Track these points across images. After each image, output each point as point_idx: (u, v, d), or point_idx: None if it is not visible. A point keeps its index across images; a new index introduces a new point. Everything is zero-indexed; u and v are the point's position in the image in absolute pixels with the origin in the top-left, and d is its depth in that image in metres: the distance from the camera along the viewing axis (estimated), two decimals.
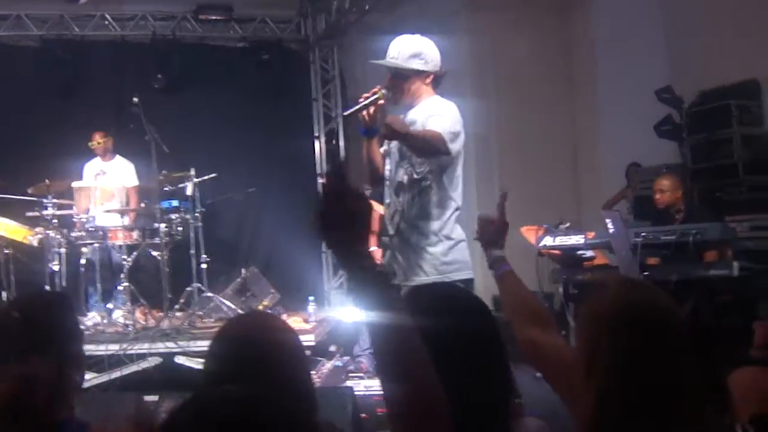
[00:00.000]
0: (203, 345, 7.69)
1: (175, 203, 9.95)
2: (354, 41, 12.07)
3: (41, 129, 11.33)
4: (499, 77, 10.63)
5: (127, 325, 9.28)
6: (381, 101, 4.89)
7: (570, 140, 10.97)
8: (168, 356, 8.50)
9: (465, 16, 10.76)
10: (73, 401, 2.77)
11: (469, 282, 5.08)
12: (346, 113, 5.17)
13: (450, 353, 2.19)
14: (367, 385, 7.87)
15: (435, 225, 5.06)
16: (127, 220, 9.86)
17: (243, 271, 10.51)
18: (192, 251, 9.84)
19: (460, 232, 5.14)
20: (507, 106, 10.62)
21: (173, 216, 9.81)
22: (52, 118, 11.60)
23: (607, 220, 7.18)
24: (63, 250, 9.66)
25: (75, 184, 10.03)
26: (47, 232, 9.64)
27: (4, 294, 9.49)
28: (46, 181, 9.70)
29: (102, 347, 8.46)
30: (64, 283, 9.63)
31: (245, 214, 12.07)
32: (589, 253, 7.93)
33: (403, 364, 1.97)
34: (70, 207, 9.96)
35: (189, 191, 9.79)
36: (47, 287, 9.51)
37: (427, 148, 4.92)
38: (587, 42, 10.58)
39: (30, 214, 9.86)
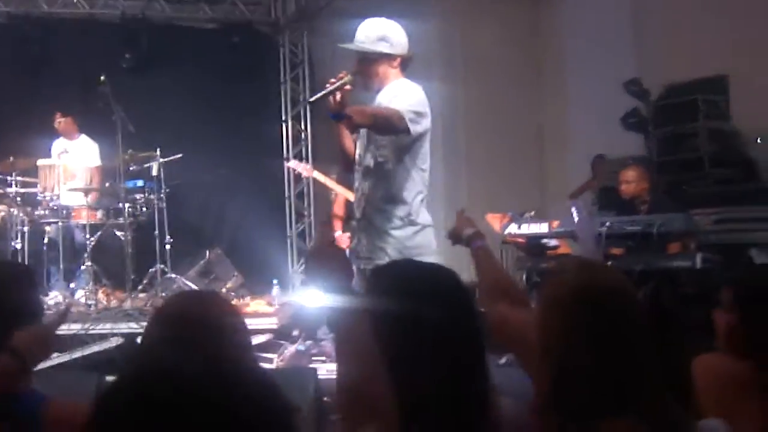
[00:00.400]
0: None
1: (140, 183, 9.89)
2: (324, 25, 12.01)
3: (7, 106, 11.21)
4: (467, 63, 10.64)
5: (89, 305, 9.24)
6: (348, 86, 4.77)
7: (537, 129, 11.02)
8: (130, 337, 8.45)
9: (433, 6, 10.75)
10: (31, 376, 2.74)
11: None
12: (311, 99, 5.21)
13: (424, 339, 2.20)
14: (330, 369, 7.86)
15: (399, 209, 5.05)
16: (90, 199, 9.77)
17: (207, 253, 10.49)
18: (156, 232, 9.78)
19: (426, 216, 5.16)
20: (474, 92, 10.63)
21: (138, 196, 9.77)
22: (19, 96, 11.48)
23: (573, 209, 7.21)
24: (26, 228, 9.60)
25: (39, 162, 9.94)
26: (10, 209, 9.58)
27: None
28: (11, 158, 9.60)
29: (64, 326, 8.35)
30: (26, 262, 9.55)
31: (211, 195, 11.99)
32: (553, 242, 7.96)
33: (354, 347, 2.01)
34: (34, 185, 9.89)
35: (154, 171, 9.73)
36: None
37: (386, 124, 4.94)
38: (556, 31, 10.63)
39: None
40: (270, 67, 12.70)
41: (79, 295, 9.55)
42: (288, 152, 12.46)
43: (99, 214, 9.75)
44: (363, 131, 5.20)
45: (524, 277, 8.12)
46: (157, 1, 12.19)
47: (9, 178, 9.59)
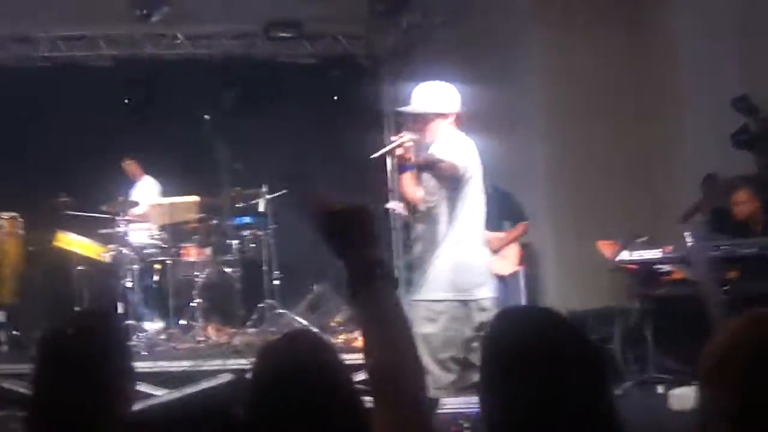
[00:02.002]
0: None
1: (247, 220, 9.98)
2: (424, 56, 11.97)
3: (113, 147, 11.44)
4: (570, 88, 10.45)
5: (199, 342, 9.31)
6: (408, 144, 5.70)
7: (645, 151, 10.75)
8: (240, 373, 8.47)
9: (533, 29, 10.61)
10: (125, 416, 2.73)
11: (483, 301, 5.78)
12: (373, 156, 5.85)
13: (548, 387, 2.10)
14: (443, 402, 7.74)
15: (446, 248, 5.80)
16: (199, 238, 9.90)
17: (314, 287, 10.49)
18: (264, 268, 9.82)
19: (473, 254, 5.87)
20: (579, 117, 10.44)
21: (245, 233, 9.85)
22: (124, 137, 11.72)
23: (686, 234, 7.00)
24: (136, 267, 9.75)
25: (149, 202, 10.13)
26: (120, 248, 9.74)
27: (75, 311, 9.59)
28: (120, 198, 9.80)
29: (174, 363, 8.49)
30: (136, 300, 9.71)
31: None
32: (665, 268, 7.75)
33: (394, 365, 1.99)
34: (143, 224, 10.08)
35: (261, 208, 9.79)
36: (120, 304, 9.61)
37: (445, 171, 5.74)
38: (661, 52, 10.37)
39: (103, 231, 9.97)
40: (371, 100, 12.69)
41: (190, 331, 9.63)
42: (392, 184, 12.37)
43: (207, 251, 9.85)
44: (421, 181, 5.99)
45: (637, 304, 7.92)
46: (259, 39, 12.31)
47: (118, 218, 9.77)
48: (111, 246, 9.82)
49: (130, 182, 10.73)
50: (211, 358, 8.68)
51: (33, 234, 10.40)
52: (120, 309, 9.62)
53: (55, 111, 11.62)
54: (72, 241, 9.83)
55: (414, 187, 6.02)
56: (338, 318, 10.24)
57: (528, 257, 9.30)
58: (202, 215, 10.10)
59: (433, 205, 5.89)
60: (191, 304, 9.68)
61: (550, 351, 2.13)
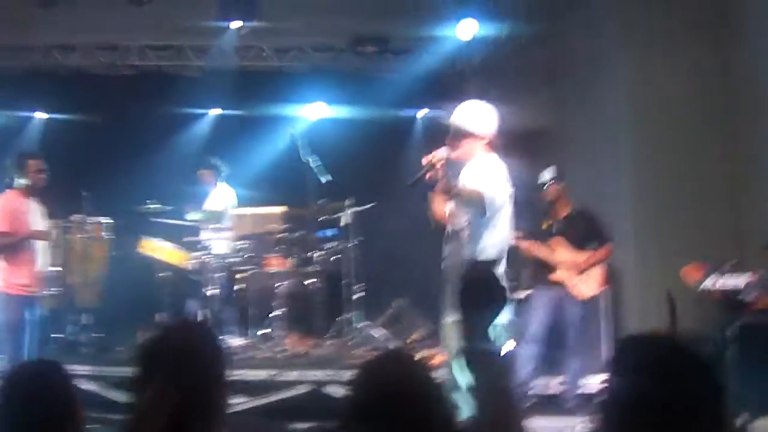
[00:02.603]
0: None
1: (330, 232, 9.99)
2: (510, 72, 11.88)
3: (199, 157, 11.56)
4: (655, 109, 10.29)
5: (278, 352, 9.34)
6: (441, 162, 5.76)
7: (732, 174, 10.53)
8: (318, 385, 8.46)
9: (617, 52, 10.46)
10: (222, 426, 2.72)
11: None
12: (410, 183, 5.90)
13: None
14: None
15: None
16: (282, 249, 9.93)
17: (394, 302, 10.45)
18: (346, 280, 9.81)
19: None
20: (665, 139, 10.27)
21: (329, 245, 9.86)
22: (211, 146, 11.85)
23: None
24: (218, 275, 9.81)
25: (232, 211, 10.20)
26: (203, 256, 9.82)
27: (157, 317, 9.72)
28: (206, 208, 9.89)
29: (252, 372, 8.52)
30: (218, 308, 9.77)
31: (400, 244, 11.95)
32: (750, 296, 7.55)
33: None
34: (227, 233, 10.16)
35: (345, 221, 9.78)
36: (201, 312, 9.69)
37: (469, 201, 5.84)
38: (748, 71, 10.15)
39: (188, 238, 10.06)
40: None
41: (269, 341, 9.66)
42: None
43: (290, 262, 9.89)
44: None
45: (722, 332, 7.73)
46: (346, 54, 12.31)
47: (203, 226, 9.86)
48: (194, 254, 9.92)
49: (206, 191, 10.79)
50: (290, 368, 8.70)
51: (118, 239, 10.57)
52: (200, 316, 9.70)
53: (142, 119, 11.77)
54: (156, 248, 9.94)
55: (443, 206, 6.10)
56: (416, 334, 10.17)
57: (611, 279, 9.15)
58: (286, 226, 10.14)
59: (458, 227, 6.03)
60: (272, 314, 9.70)
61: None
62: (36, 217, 7.82)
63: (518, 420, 2.06)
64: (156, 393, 2.42)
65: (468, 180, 5.93)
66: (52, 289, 9.32)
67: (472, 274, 2.28)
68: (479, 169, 5.93)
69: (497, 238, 5.94)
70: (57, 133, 12.21)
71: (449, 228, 6.06)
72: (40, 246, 7.84)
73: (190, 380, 2.61)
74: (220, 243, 10.09)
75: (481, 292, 2.13)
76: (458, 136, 5.98)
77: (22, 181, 7.67)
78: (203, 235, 9.93)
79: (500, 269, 5.90)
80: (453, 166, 6.00)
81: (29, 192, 7.74)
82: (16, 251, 7.58)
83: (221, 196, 10.58)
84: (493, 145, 6.07)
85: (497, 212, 5.91)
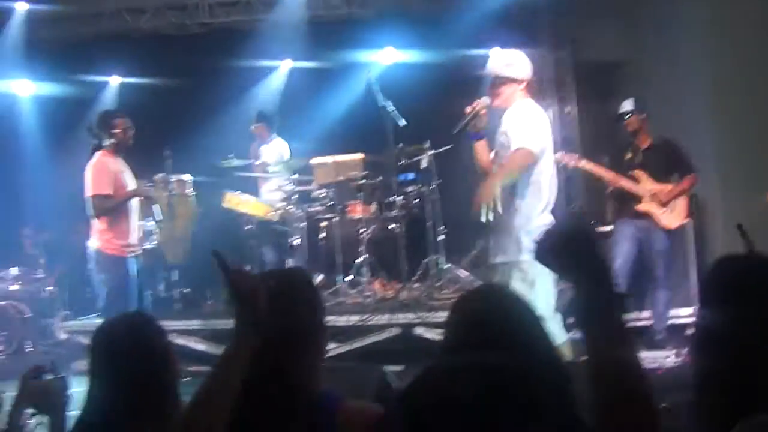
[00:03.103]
0: (442, 316, 7.70)
1: (411, 176, 10.02)
2: (582, 7, 11.69)
3: (278, 108, 11.66)
4: (737, 32, 10.05)
5: (366, 297, 9.44)
6: (483, 111, 6.00)
7: None
8: (407, 327, 8.55)
9: None
10: (319, 373, 2.78)
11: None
12: (455, 131, 5.97)
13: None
14: None
15: (520, 216, 5.91)
16: (363, 195, 9.99)
17: (478, 243, 10.46)
18: (429, 223, 9.84)
19: (545, 219, 5.92)
20: (749, 65, 10.00)
21: (409, 189, 9.89)
22: (287, 99, 11.96)
23: None
24: (303, 225, 9.93)
25: (314, 161, 10.29)
26: (288, 207, 9.93)
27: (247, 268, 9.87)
28: (287, 159, 9.99)
29: (343, 318, 8.65)
30: (305, 257, 9.90)
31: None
32: None
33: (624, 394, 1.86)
34: (308, 183, 10.24)
35: (424, 164, 9.79)
36: (289, 261, 9.82)
37: (522, 167, 5.89)
38: None
39: (270, 190, 10.19)
40: (533, 47, 12.41)
41: (357, 286, 9.76)
42: (558, 137, 12.16)
43: (372, 208, 9.94)
44: (496, 149, 6.19)
45: None
46: None
47: (284, 177, 9.97)
48: (278, 205, 10.03)
49: (259, 144, 10.87)
50: (379, 312, 8.81)
51: (202, 196, 10.75)
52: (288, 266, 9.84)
53: (215, 76, 11.85)
54: (240, 201, 10.07)
55: (487, 156, 6.25)
56: None
57: (696, 210, 9.03)
58: (366, 172, 10.18)
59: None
60: (357, 260, 9.79)
61: None
62: (128, 175, 7.92)
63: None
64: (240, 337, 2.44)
65: (510, 127, 6.00)
66: (148, 244, 9.54)
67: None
68: (521, 117, 6.00)
69: (542, 188, 5.99)
70: (133, 96, 12.36)
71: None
72: (135, 203, 7.94)
73: (291, 325, 2.68)
74: (303, 193, 10.22)
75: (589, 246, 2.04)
76: (497, 83, 6.09)
77: (110, 141, 7.74)
78: (287, 187, 10.03)
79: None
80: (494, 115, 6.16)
81: (118, 150, 7.82)
82: (117, 212, 7.70)
83: (274, 149, 10.67)
84: (531, 90, 6.18)
85: (542, 162, 5.98)
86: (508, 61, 6.13)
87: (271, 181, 10.48)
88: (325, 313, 2.89)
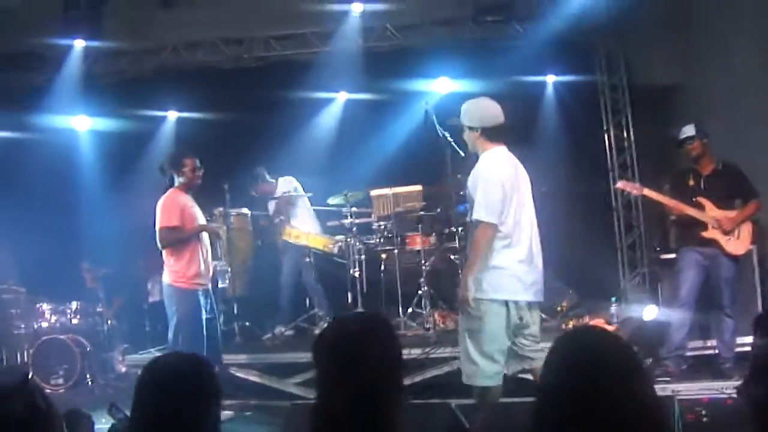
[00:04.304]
0: None
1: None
2: (638, 28, 11.60)
3: (333, 140, 11.67)
4: None
5: (427, 329, 9.38)
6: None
7: None
8: None
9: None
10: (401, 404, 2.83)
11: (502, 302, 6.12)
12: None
13: None
14: (676, 389, 7.53)
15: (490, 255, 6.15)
16: (423, 227, 9.96)
17: None
18: None
19: (502, 260, 6.20)
20: None
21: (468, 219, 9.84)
22: (343, 129, 11.95)
23: None
24: (363, 257, 9.91)
25: (373, 192, 10.28)
26: (347, 239, 9.93)
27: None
28: (346, 192, 9.99)
29: (405, 351, 8.56)
30: (365, 289, 9.86)
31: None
32: None
33: None
34: (368, 215, 10.23)
35: None
36: (348, 293, 9.80)
37: (489, 242, 6.19)
38: None
39: (331, 223, 10.19)
40: (588, 73, 12.36)
41: (417, 319, 9.71)
42: (611, 161, 12.08)
43: (432, 239, 9.90)
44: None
45: None
46: (468, 26, 12.16)
47: (344, 209, 9.95)
48: (338, 237, 10.04)
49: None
50: (440, 345, 8.73)
51: (261, 229, 10.78)
52: (349, 299, 9.84)
53: (271, 108, 11.90)
54: (300, 234, 10.08)
55: None
56: (564, 303, 10.11)
57: (760, 235, 8.88)
58: (425, 203, 10.16)
59: (469, 219, 6.40)
60: (418, 291, 9.74)
61: None
62: (197, 211, 8.14)
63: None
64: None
65: (471, 187, 6.32)
66: (221, 283, 9.63)
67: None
68: (477, 175, 6.26)
69: (515, 227, 6.47)
70: (190, 130, 12.50)
71: (467, 218, 6.56)
72: (206, 240, 8.14)
73: (376, 369, 2.72)
74: (363, 225, 10.22)
75: None
76: (462, 130, 6.44)
77: (180, 180, 8.01)
78: (346, 220, 10.03)
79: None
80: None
81: (188, 188, 8.09)
82: (186, 245, 7.91)
83: (285, 190, 10.69)
84: (491, 137, 6.30)
85: (509, 204, 6.32)
86: (464, 109, 6.36)
87: (305, 212, 10.55)
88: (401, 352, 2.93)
